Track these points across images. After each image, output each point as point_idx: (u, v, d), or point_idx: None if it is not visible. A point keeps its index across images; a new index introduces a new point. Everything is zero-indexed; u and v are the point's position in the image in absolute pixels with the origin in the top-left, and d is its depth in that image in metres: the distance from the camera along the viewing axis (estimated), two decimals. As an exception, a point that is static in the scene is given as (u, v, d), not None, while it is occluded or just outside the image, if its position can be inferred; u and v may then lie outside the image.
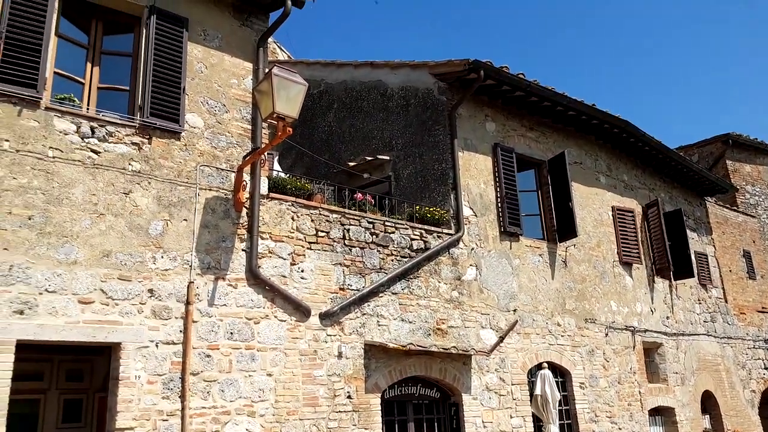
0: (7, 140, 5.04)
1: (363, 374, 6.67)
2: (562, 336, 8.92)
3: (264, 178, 6.51)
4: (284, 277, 6.36)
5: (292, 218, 6.62)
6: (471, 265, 8.16)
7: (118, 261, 5.36)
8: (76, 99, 5.61)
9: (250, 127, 6.51)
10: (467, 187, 8.44)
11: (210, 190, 6.08)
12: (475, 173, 8.65)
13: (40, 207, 5.08)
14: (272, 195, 6.53)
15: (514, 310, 8.43)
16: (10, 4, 5.22)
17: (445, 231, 8.00)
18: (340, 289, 6.79)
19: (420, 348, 7.06)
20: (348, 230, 7.07)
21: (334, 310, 6.58)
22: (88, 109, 5.71)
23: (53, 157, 5.24)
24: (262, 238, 6.30)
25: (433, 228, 7.87)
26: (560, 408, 8.39)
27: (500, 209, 8.72)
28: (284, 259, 6.41)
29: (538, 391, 7.97)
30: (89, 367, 7.19)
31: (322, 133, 10.65)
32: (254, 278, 6.10)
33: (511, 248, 8.72)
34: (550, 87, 9.13)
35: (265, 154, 6.43)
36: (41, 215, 5.06)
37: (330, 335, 6.55)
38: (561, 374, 8.84)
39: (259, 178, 6.38)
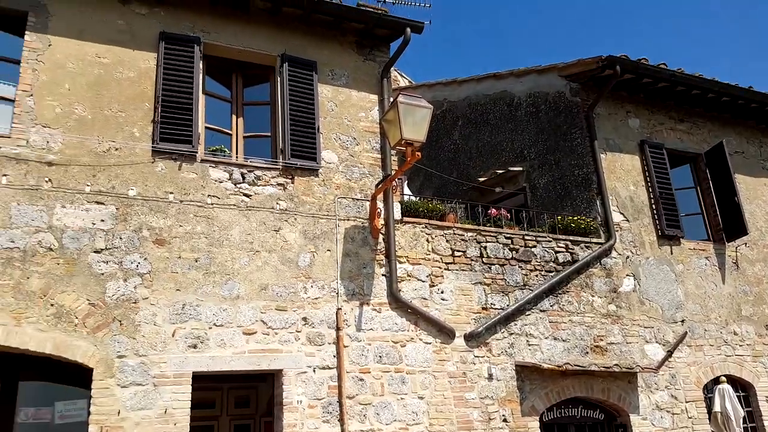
0: (171, 192, 5.68)
1: (517, 396, 6.43)
2: (740, 346, 7.91)
3: (396, 204, 6.64)
4: (425, 299, 6.39)
5: (427, 240, 6.65)
6: (627, 275, 7.58)
7: (274, 293, 5.76)
8: (226, 149, 6.19)
9: (379, 156, 6.72)
10: (614, 191, 7.90)
11: (348, 220, 6.33)
12: (622, 174, 8.08)
13: (204, 249, 5.64)
14: (406, 219, 6.64)
15: (682, 321, 7.65)
16: (164, 72, 5.93)
17: (594, 240, 7.53)
18: (483, 308, 6.65)
19: (578, 368, 6.66)
20: (485, 248, 6.94)
21: (479, 331, 6.46)
22: (237, 157, 6.27)
23: (212, 204, 5.80)
24: (400, 262, 6.40)
25: (579, 238, 7.45)
26: (745, 426, 7.40)
27: (655, 211, 8.03)
28: (423, 282, 6.45)
29: (717, 407, 7.13)
30: (254, 394, 7.75)
31: (449, 152, 10.65)
32: (396, 302, 6.21)
33: (671, 253, 7.96)
34: (697, 74, 8.30)
35: (396, 180, 6.57)
36: (206, 257, 5.62)
37: (477, 356, 6.43)
38: (742, 388, 7.83)
39: (392, 204, 6.53)
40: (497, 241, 7.04)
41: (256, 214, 5.95)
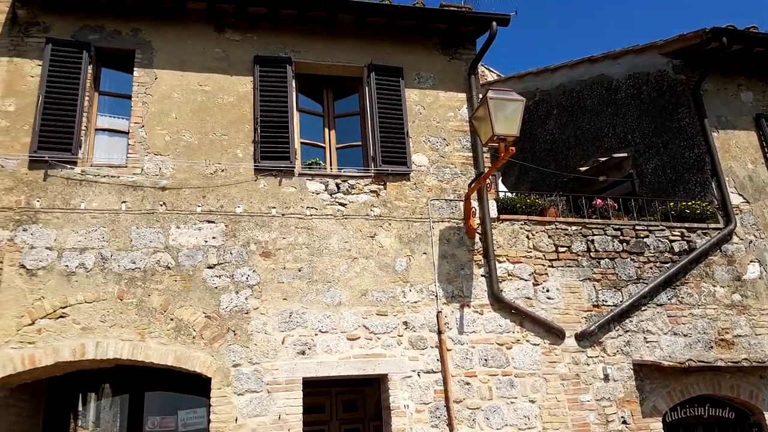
0: (274, 207, 5.94)
1: (636, 397, 6.03)
2: None
3: (492, 202, 6.48)
4: (529, 299, 6.16)
5: (527, 237, 6.42)
6: (752, 261, 6.88)
7: (374, 298, 5.83)
8: (321, 162, 6.38)
9: (470, 154, 6.59)
10: (731, 171, 7.21)
11: (442, 221, 6.27)
12: (738, 153, 7.35)
13: (306, 259, 5.83)
14: (503, 217, 6.45)
15: (822, 309, 6.80)
16: (260, 94, 6.22)
17: (712, 226, 6.92)
18: (594, 305, 6.31)
19: (702, 363, 6.14)
20: (592, 241, 6.58)
21: (591, 330, 6.13)
22: (331, 168, 6.44)
23: (310, 215, 5.99)
24: (500, 261, 6.24)
25: (695, 225, 6.87)
26: None
27: (780, 189, 7.22)
28: (526, 281, 6.23)
29: None
30: (361, 398, 7.87)
31: (545, 143, 10.24)
32: (498, 303, 6.05)
33: (802, 233, 7.11)
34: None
35: (490, 177, 6.41)
36: (308, 266, 5.80)
37: (591, 357, 6.11)
38: None
39: (487, 202, 6.38)
40: (605, 234, 6.65)
41: (352, 221, 6.06)
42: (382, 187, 6.26)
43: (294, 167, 6.09)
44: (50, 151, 5.56)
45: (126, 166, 5.77)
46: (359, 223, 6.07)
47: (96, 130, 6.02)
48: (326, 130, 6.73)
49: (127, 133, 5.94)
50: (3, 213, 5.36)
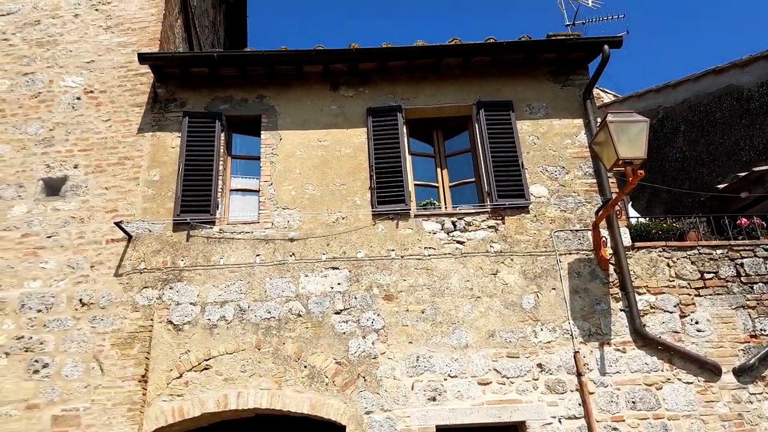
0: (393, 250, 6.00)
1: (819, 442, 5.21)
2: None
3: (624, 229, 6.08)
4: (676, 332, 5.62)
5: (668, 265, 5.92)
6: None
7: (502, 339, 5.62)
8: (435, 201, 6.39)
9: (594, 181, 6.28)
10: None
11: (569, 254, 5.97)
12: None
13: (428, 301, 5.78)
14: (637, 244, 6.02)
15: None
16: (374, 143, 6.43)
17: None
18: (751, 336, 5.64)
19: None
20: (741, 265, 5.93)
21: (751, 363, 5.45)
22: (446, 207, 6.42)
23: (429, 255, 5.98)
24: (639, 293, 5.78)
25: None
26: None
27: None
28: (671, 313, 5.71)
29: None
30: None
31: (675, 162, 9.52)
32: (642, 339, 5.58)
33: None
34: None
35: (618, 203, 6.03)
36: (430, 308, 5.75)
37: (754, 394, 5.41)
38: None
39: (619, 230, 5.99)
40: (755, 256, 5.98)
41: (472, 259, 5.96)
42: (500, 221, 6.12)
43: (409, 209, 6.15)
44: (191, 213, 6.09)
45: (258, 222, 6.15)
46: (479, 260, 5.95)
47: (230, 190, 6.53)
48: (438, 169, 6.76)
49: (258, 191, 6.39)
50: (152, 274, 5.90)
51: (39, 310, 5.74)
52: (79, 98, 6.77)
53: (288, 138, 6.51)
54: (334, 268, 5.92)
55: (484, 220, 6.14)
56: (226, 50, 8.40)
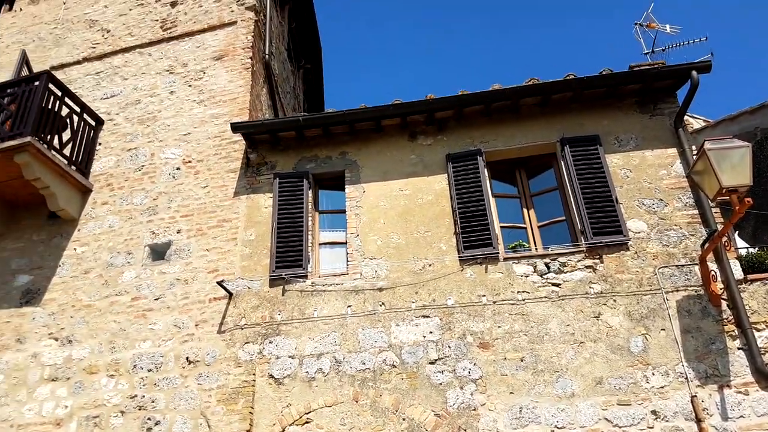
0: (483, 295, 5.88)
1: None
2: None
3: (734, 261, 5.64)
4: (810, 372, 5.06)
5: (789, 297, 5.40)
6: None
7: (611, 386, 5.29)
8: (524, 243, 6.24)
9: (696, 212, 5.92)
10: None
11: (677, 291, 5.60)
12: None
13: (527, 348, 5.57)
14: (750, 276, 5.56)
15: None
16: (455, 188, 6.44)
17: None
18: None
19: None
20: None
21: None
22: (536, 248, 6.25)
23: (523, 300, 5.80)
24: (757, 329, 5.30)
25: None
26: None
27: None
28: (801, 350, 5.16)
29: None
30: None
31: (782, 185, 8.80)
32: (766, 379, 5.07)
33: None
34: None
35: (726, 234, 5.63)
36: (530, 355, 5.53)
37: None
38: None
39: (728, 263, 5.57)
40: None
41: (570, 302, 5.71)
42: (598, 261, 5.87)
43: (498, 252, 6.04)
44: (285, 268, 6.31)
45: (347, 273, 6.26)
46: (578, 302, 5.70)
47: (319, 244, 6.72)
48: (524, 210, 6.62)
49: (345, 243, 6.53)
50: (252, 329, 6.10)
51: (150, 370, 6.06)
52: (178, 168, 7.30)
53: (371, 190, 6.66)
54: (424, 317, 5.87)
55: (580, 260, 5.91)
56: (310, 113, 8.85)
